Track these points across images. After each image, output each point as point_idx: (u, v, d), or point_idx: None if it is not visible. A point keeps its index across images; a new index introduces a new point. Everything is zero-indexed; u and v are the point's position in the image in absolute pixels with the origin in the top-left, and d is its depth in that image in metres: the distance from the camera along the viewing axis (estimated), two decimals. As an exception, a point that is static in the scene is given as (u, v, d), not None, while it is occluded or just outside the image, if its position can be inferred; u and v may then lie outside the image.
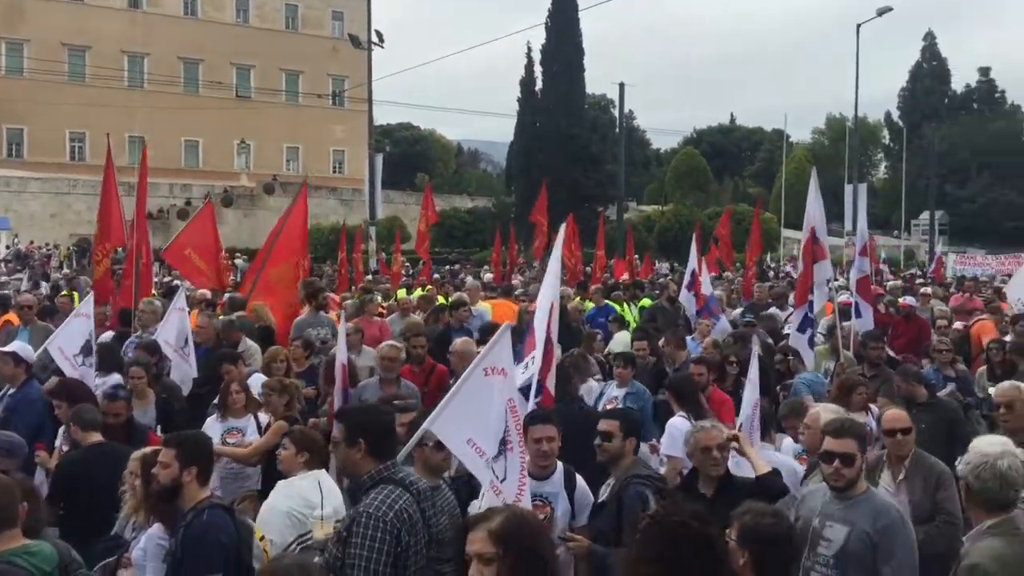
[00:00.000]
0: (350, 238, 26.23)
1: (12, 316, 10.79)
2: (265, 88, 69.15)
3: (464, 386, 4.52)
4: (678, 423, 6.67)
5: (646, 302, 15.77)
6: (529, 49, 55.31)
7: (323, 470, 5.26)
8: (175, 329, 9.17)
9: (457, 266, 34.52)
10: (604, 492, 5.19)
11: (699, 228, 21.18)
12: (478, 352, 5.20)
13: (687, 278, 14.51)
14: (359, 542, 3.88)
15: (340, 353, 7.16)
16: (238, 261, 33.54)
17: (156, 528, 4.57)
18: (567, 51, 54.10)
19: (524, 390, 5.58)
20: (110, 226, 11.54)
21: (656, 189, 77.40)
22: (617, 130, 45.37)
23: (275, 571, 3.45)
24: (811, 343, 9.72)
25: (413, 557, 4.04)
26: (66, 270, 25.48)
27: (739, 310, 14.81)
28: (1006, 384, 6.34)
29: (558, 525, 5.01)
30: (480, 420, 4.45)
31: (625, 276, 22.57)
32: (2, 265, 29.46)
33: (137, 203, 11.28)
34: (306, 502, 4.97)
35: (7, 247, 42.77)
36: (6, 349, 7.72)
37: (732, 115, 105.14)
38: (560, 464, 5.24)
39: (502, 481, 4.42)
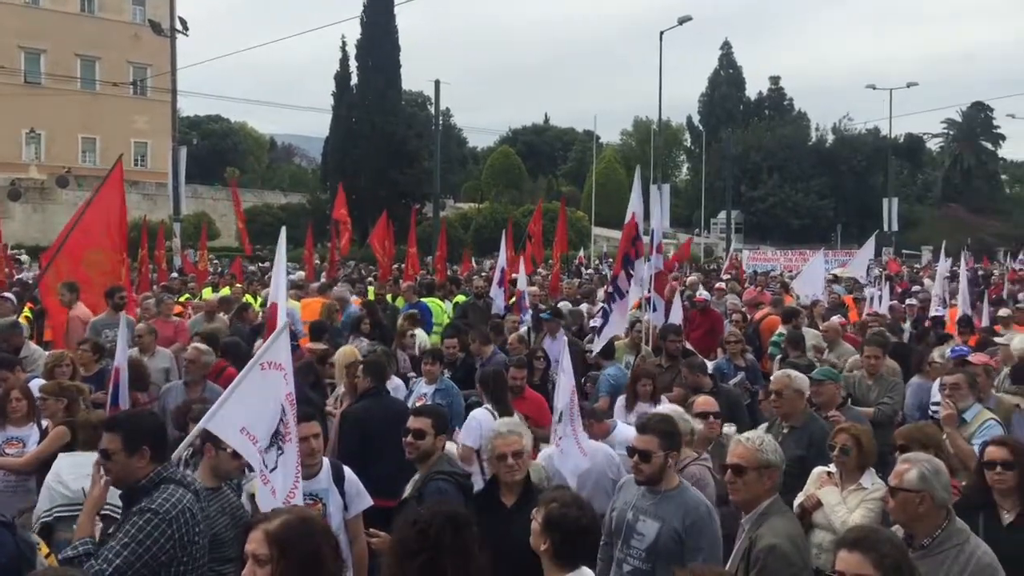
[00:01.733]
0: (152, 235, 24.97)
1: None
2: (58, 75, 64.48)
3: (242, 382, 4.55)
4: (478, 414, 6.81)
5: (461, 299, 15.92)
6: (344, 43, 54.42)
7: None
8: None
9: (268, 264, 33.53)
10: (409, 487, 5.22)
11: (511, 225, 21.62)
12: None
13: (496, 275, 14.76)
14: (132, 531, 3.77)
15: (119, 353, 6.82)
16: (23, 259, 31.17)
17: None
18: (383, 47, 53.58)
19: None
20: None
21: (473, 187, 78.20)
22: (433, 127, 45.45)
23: None
24: (597, 332, 10.14)
25: (198, 553, 3.98)
26: None
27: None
28: (779, 372, 6.88)
29: (333, 520, 5.02)
30: (254, 411, 4.50)
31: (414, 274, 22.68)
32: None
33: None
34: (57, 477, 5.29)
35: None
36: None
37: (546, 115, 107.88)
38: (326, 460, 5.28)
39: (271, 471, 4.49)
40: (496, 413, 6.92)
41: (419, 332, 11.55)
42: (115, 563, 3.70)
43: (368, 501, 5.34)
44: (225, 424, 4.42)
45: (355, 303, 13.59)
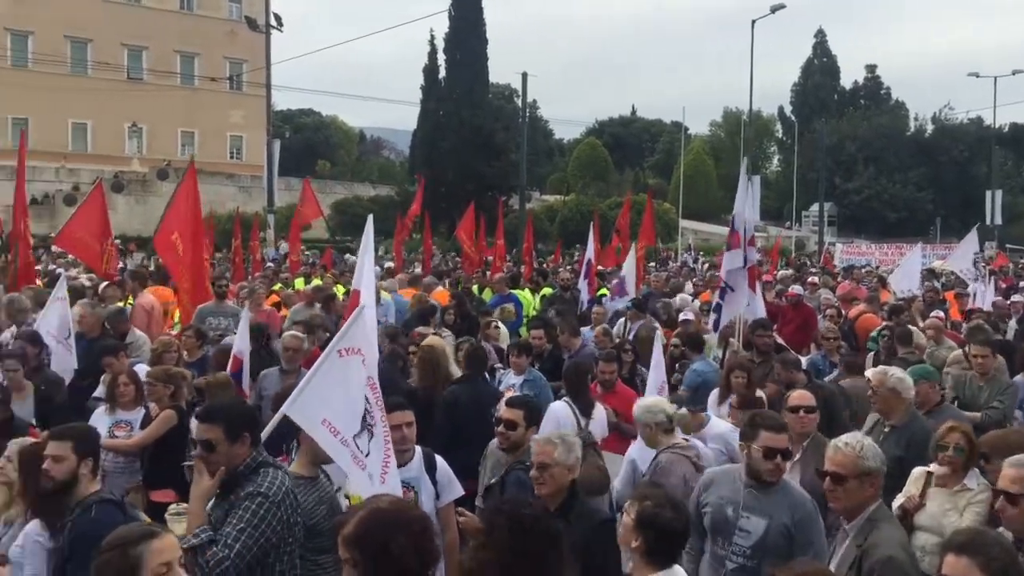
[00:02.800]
0: (247, 226, 25.66)
1: None
2: (159, 70, 66.82)
3: (320, 369, 4.57)
4: (556, 407, 6.79)
5: (548, 291, 15.95)
6: (432, 37, 54.97)
7: None
8: (57, 318, 8.85)
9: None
10: (488, 473, 5.29)
11: (597, 218, 21.53)
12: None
13: (583, 267, 14.73)
14: (246, 516, 3.85)
15: (238, 341, 7.01)
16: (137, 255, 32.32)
17: (34, 525, 4.40)
18: (471, 40, 53.94)
19: None
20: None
21: (559, 179, 78.05)
22: (520, 120, 45.51)
23: None
24: (715, 327, 10.01)
25: (299, 534, 4.08)
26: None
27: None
28: (876, 369, 6.68)
29: (426, 506, 5.07)
30: (335, 400, 4.51)
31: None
32: None
33: (16, 189, 10.77)
34: None
35: None
36: None
37: (633, 107, 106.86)
38: (418, 448, 5.32)
39: (367, 456, 4.51)
40: (575, 407, 6.91)
41: (502, 324, 11.67)
42: (235, 548, 3.79)
43: (459, 491, 5.39)
44: (306, 413, 4.44)
45: (441, 295, 13.73)
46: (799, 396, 6.06)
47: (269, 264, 23.84)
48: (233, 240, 23.12)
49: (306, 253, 29.12)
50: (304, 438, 4.71)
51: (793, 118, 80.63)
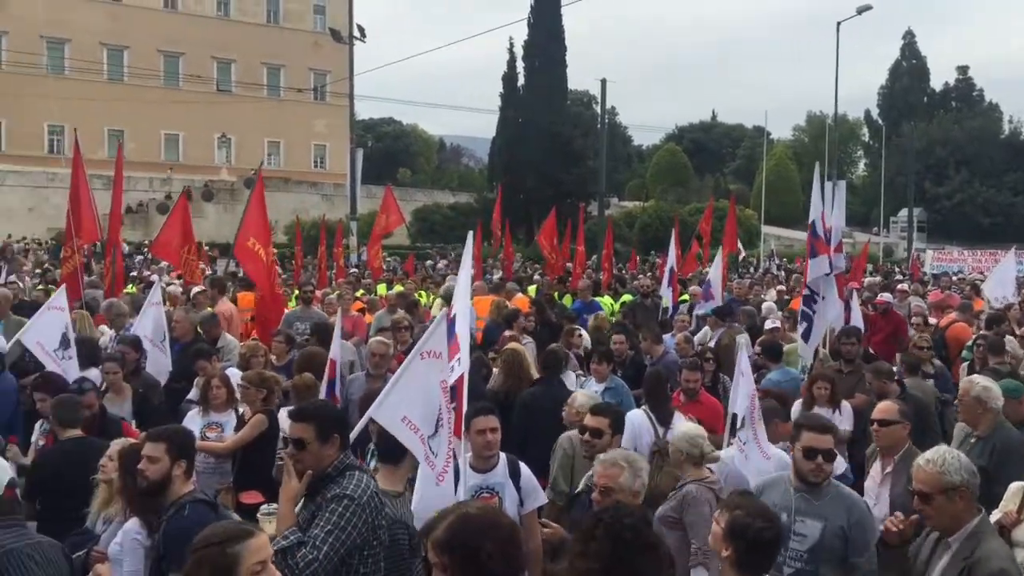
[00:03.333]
0: (331, 233, 26.16)
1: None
2: (246, 82, 68.77)
3: (405, 370, 4.68)
4: (634, 416, 6.73)
5: (627, 297, 15.86)
6: (511, 45, 55.28)
7: None
8: (152, 323, 9.17)
9: (443, 262, 34.39)
10: (584, 481, 5.25)
11: (678, 224, 21.31)
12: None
13: (665, 274, 14.61)
14: (332, 518, 3.90)
15: (334, 347, 7.16)
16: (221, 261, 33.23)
17: (133, 523, 4.54)
18: (550, 47, 54.04)
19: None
20: (80, 222, 11.39)
21: (638, 185, 77.57)
22: (599, 126, 45.38)
23: None
24: (805, 336, 9.81)
25: (384, 537, 4.11)
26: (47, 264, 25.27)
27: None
28: (964, 378, 6.47)
29: (509, 513, 5.01)
30: (416, 399, 4.60)
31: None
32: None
33: (113, 198, 11.20)
34: None
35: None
36: (-21, 343, 7.70)
37: (714, 112, 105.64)
38: (503, 455, 5.33)
39: (436, 456, 4.60)
40: (653, 416, 6.85)
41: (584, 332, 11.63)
42: (323, 550, 3.84)
43: (542, 498, 5.39)
44: (387, 411, 4.53)
45: (521, 302, 13.75)
46: (878, 408, 5.89)
47: (352, 270, 24.25)
48: (320, 247, 23.59)
49: (388, 260, 29.57)
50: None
51: (880, 121, 78.52)
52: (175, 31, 65.63)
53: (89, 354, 8.34)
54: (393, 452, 4.70)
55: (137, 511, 4.59)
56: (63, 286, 9.70)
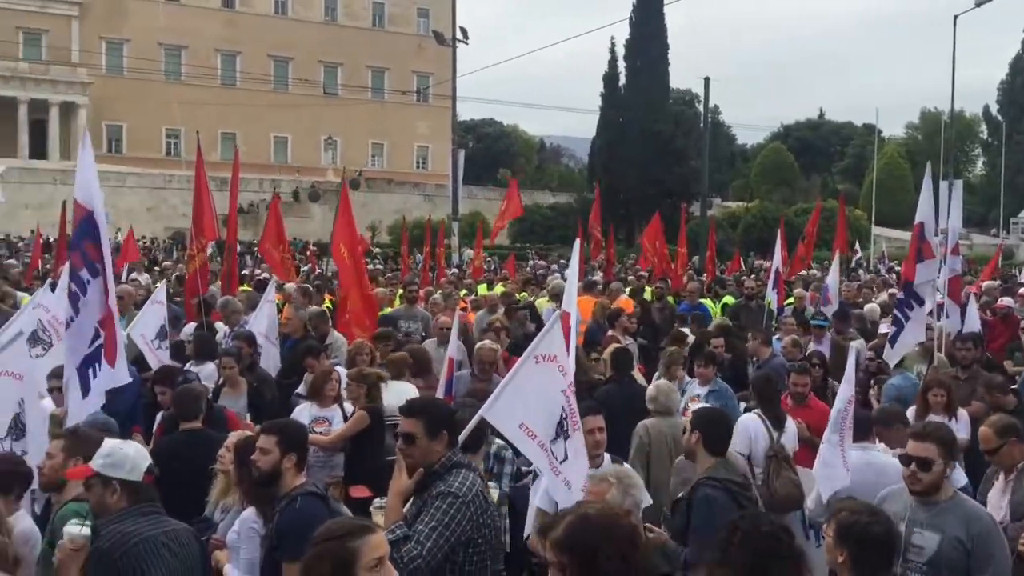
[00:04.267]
0: (434, 233, 26.52)
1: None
2: (352, 85, 70.45)
3: (517, 373, 4.66)
4: (747, 419, 6.61)
5: (729, 300, 15.58)
6: (613, 44, 55.07)
7: None
8: (266, 319, 9.48)
9: (543, 262, 34.46)
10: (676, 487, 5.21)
11: (783, 225, 20.83)
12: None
13: (771, 276, 14.29)
14: (437, 515, 3.95)
15: (452, 345, 7.27)
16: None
17: (250, 512, 4.72)
18: (651, 46, 53.59)
19: None
20: (203, 221, 11.89)
21: (742, 185, 76.21)
22: (701, 125, 44.75)
23: None
24: (891, 342, 9.46)
25: (490, 535, 4.12)
26: (167, 262, 26.39)
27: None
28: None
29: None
30: (532, 405, 4.58)
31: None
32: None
33: (230, 199, 11.63)
34: None
35: (109, 240, 44.36)
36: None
37: (821, 110, 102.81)
38: (607, 454, 5.35)
39: (562, 462, 4.57)
40: (766, 419, 6.72)
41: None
42: (427, 545, 3.91)
43: (648, 499, 5.35)
44: (503, 416, 4.55)
45: (625, 302, 13.66)
46: (981, 437, 5.63)
47: (453, 270, 24.53)
48: (424, 247, 24.02)
49: (487, 260, 29.79)
50: None
51: (1000, 118, 74.96)
52: (285, 36, 67.72)
53: (206, 349, 8.68)
54: (466, 446, 4.75)
55: (253, 501, 4.77)
56: (163, 281, 10.14)
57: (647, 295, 15.01)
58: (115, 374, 6.03)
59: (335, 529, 3.01)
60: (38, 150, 58.07)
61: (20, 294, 10.76)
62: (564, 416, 4.62)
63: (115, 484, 4.01)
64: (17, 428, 5.38)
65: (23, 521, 4.49)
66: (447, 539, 3.94)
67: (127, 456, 4.07)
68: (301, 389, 8.40)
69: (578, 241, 5.74)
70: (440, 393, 6.93)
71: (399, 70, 71.89)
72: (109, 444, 4.15)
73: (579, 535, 2.83)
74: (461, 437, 4.47)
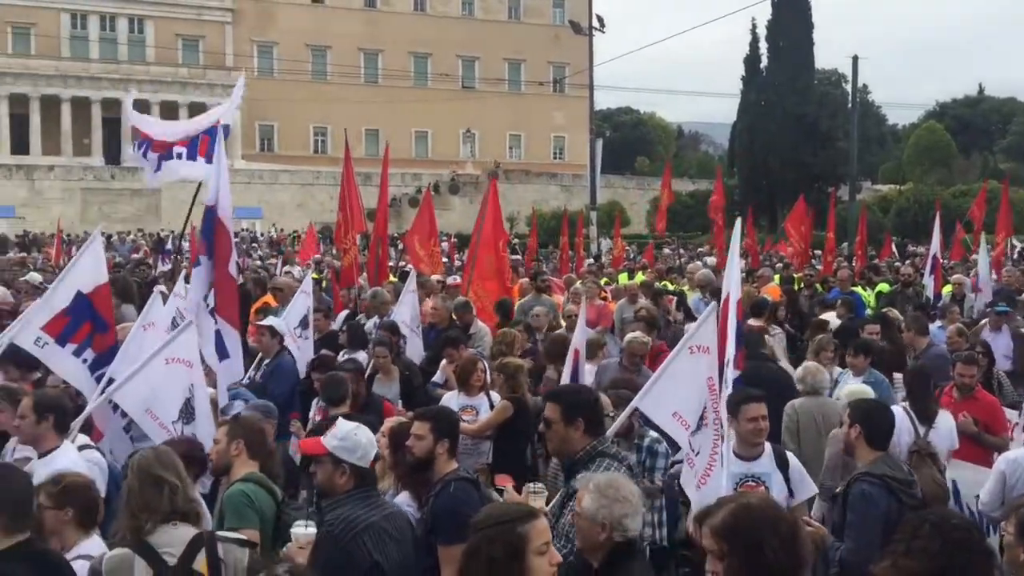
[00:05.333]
0: (571, 223, 26.54)
1: (269, 298, 11.80)
2: (489, 78, 71.26)
3: (672, 364, 4.69)
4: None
5: (883, 287, 14.94)
6: (754, 25, 53.64)
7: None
8: (409, 309, 9.73)
9: (681, 250, 33.91)
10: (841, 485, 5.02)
11: (939, 208, 19.78)
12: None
13: (928, 262, 13.62)
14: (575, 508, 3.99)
15: (578, 333, 7.28)
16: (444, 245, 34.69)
17: (404, 496, 4.87)
18: (795, 26, 51.85)
19: None
20: (352, 215, 12.29)
21: (893, 168, 72.70)
22: (850, 106, 42.94)
23: None
24: None
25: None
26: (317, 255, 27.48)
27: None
28: None
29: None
30: (685, 395, 4.62)
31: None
32: (258, 250, 32.24)
33: (380, 193, 11.98)
34: None
35: (261, 234, 46.60)
36: (263, 322, 8.49)
37: (980, 86, 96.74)
38: (768, 444, 5.18)
39: (696, 455, 4.56)
40: (913, 413, 6.39)
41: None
42: (570, 537, 3.94)
43: (812, 488, 5.19)
44: (656, 406, 4.57)
45: (773, 290, 13.30)
46: None
47: (591, 260, 24.49)
48: (561, 237, 24.07)
49: (626, 249, 29.58)
50: None
51: None
52: (424, 33, 69.12)
53: (358, 338, 8.99)
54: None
55: (407, 485, 4.92)
56: (308, 273, 10.52)
57: (795, 283, 14.56)
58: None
59: (503, 514, 3.04)
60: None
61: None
62: (705, 409, 4.61)
63: (345, 467, 4.12)
64: (188, 412, 5.70)
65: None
66: None
67: (359, 442, 4.17)
68: (438, 378, 8.59)
69: (739, 222, 5.53)
70: (565, 382, 6.96)
71: (535, 61, 72.19)
72: (344, 427, 4.23)
73: (742, 524, 2.78)
74: (615, 427, 4.48)
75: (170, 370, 5.72)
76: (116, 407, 5.89)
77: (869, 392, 6.24)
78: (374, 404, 7.15)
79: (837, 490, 5.13)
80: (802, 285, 14.97)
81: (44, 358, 6.42)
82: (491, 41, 70.75)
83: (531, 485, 4.19)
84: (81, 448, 5.29)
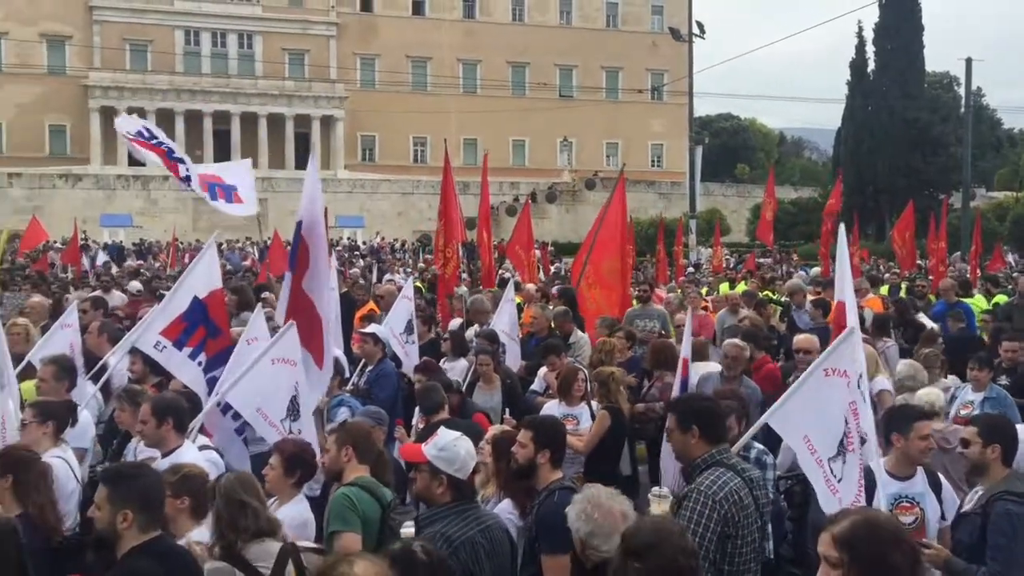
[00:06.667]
0: (670, 231, 26.28)
1: (373, 305, 12.04)
2: (586, 86, 71.19)
3: (804, 384, 4.53)
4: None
5: (1001, 298, 14.30)
6: (860, 29, 52.20)
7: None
8: (508, 318, 9.77)
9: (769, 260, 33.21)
10: (970, 501, 4.81)
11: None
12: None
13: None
14: (687, 515, 4.00)
15: (684, 347, 7.19)
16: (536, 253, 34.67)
17: (506, 503, 4.88)
18: (904, 28, 50.21)
19: None
20: (453, 224, 12.42)
21: (1009, 173, 69.55)
22: (963, 110, 41.35)
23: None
24: None
25: (745, 539, 4.05)
26: (420, 264, 27.92)
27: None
28: None
29: (931, 527, 4.79)
30: (816, 419, 4.46)
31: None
32: (360, 260, 32.93)
33: (481, 202, 12.10)
34: None
35: (363, 243, 47.57)
36: (366, 330, 8.65)
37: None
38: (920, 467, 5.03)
39: (839, 481, 4.39)
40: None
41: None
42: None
43: (954, 508, 5.03)
44: (788, 425, 4.48)
45: (873, 302, 12.87)
46: None
47: (691, 269, 24.19)
48: (657, 245, 23.84)
49: (727, 258, 29.12)
50: None
51: None
52: (522, 42, 69.56)
53: (460, 346, 9.08)
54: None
55: (509, 493, 4.93)
56: (411, 277, 10.65)
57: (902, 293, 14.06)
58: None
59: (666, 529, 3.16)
60: (302, 161, 63.13)
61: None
62: (846, 434, 4.44)
63: (442, 477, 4.16)
64: (294, 410, 5.86)
65: (299, 504, 4.85)
66: (702, 536, 3.94)
67: (458, 454, 4.19)
68: (537, 385, 8.59)
69: (842, 228, 5.35)
70: (676, 393, 6.86)
71: (633, 69, 71.79)
72: (445, 437, 4.26)
73: (867, 536, 2.75)
74: (743, 441, 4.46)
75: (276, 370, 5.89)
76: (226, 410, 6.09)
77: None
78: (471, 409, 7.21)
79: (965, 510, 4.89)
80: (909, 295, 14.47)
81: (163, 361, 6.68)
82: (589, 49, 70.68)
83: (656, 489, 4.19)
84: (200, 448, 5.50)
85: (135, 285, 14.78)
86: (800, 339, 7.96)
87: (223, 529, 4.06)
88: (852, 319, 4.78)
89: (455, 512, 4.10)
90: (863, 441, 4.52)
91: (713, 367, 8.14)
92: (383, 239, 49.95)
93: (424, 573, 3.20)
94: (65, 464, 5.14)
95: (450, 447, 4.19)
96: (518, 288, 12.32)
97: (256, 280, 16.79)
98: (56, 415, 5.36)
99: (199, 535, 4.25)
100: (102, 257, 33.20)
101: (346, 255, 33.83)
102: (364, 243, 47.43)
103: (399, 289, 12.15)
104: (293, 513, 4.68)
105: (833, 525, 2.87)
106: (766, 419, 4.50)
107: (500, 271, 23.26)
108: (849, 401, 4.46)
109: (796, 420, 4.43)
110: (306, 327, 6.35)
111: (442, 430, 4.44)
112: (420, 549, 3.25)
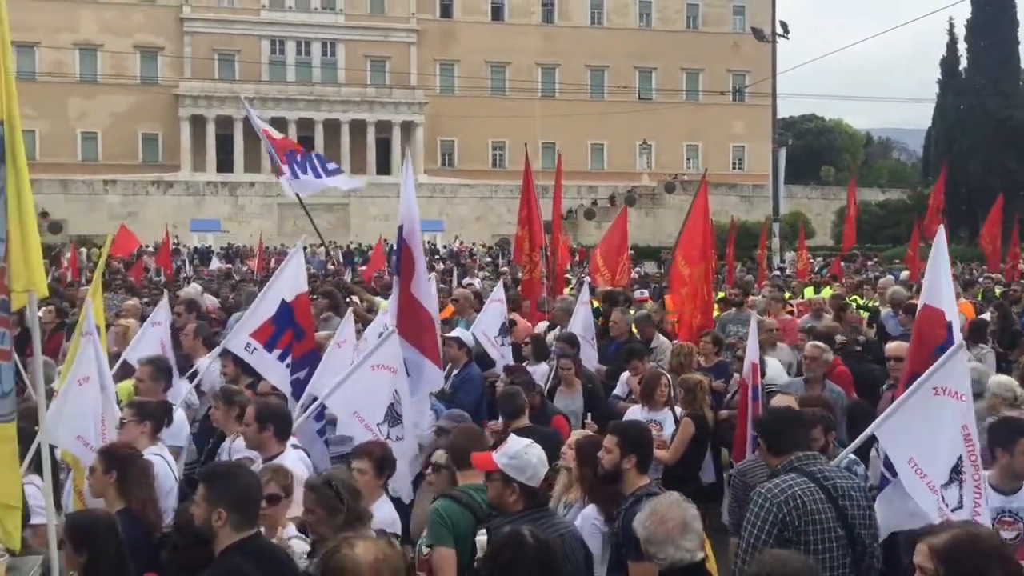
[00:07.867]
0: (750, 235, 25.84)
1: (452, 308, 12.14)
2: (666, 89, 70.57)
3: (910, 400, 4.34)
4: None
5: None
6: (951, 26, 50.59)
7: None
8: (582, 321, 9.75)
9: (857, 264, 32.36)
10: None
11: None
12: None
13: None
14: (748, 516, 4.11)
15: (751, 351, 7.08)
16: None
17: (591, 509, 4.86)
18: (999, 23, 48.53)
19: None
20: (534, 229, 12.41)
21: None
22: (1061, 107, 39.78)
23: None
24: None
25: (812, 546, 3.97)
26: (505, 268, 28.03)
27: None
28: None
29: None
30: (924, 442, 4.25)
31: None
32: (440, 264, 33.24)
33: (554, 206, 12.10)
34: None
35: (444, 247, 48.07)
36: (451, 335, 8.72)
37: None
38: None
39: (953, 510, 4.18)
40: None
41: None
42: (741, 546, 4.11)
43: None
44: (894, 444, 4.31)
45: (965, 307, 12.42)
46: None
47: (775, 273, 23.74)
48: (727, 248, 23.46)
49: (812, 262, 28.50)
50: None
51: None
52: (601, 45, 69.34)
53: (542, 350, 9.10)
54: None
55: (594, 498, 4.91)
56: (500, 281, 10.70)
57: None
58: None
59: None
60: (383, 166, 64.13)
61: (377, 299, 11.88)
62: (961, 459, 4.22)
63: (515, 486, 4.17)
64: (393, 416, 5.95)
65: (385, 504, 4.93)
66: (757, 537, 3.99)
67: (530, 462, 4.19)
68: (619, 391, 8.54)
69: (942, 228, 5.05)
70: (749, 399, 6.75)
71: (714, 70, 70.90)
72: (515, 445, 4.26)
73: (967, 550, 2.70)
74: (848, 451, 4.44)
75: (376, 376, 5.98)
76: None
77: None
78: (549, 412, 7.21)
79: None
80: (1005, 300, 13.93)
81: (253, 363, 6.85)
82: (668, 51, 70.06)
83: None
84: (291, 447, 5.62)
85: (196, 287, 15.17)
86: (892, 347, 7.73)
87: (348, 517, 4.07)
88: (957, 334, 4.54)
89: (528, 520, 4.06)
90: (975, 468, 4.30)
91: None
92: (462, 243, 50.34)
93: (532, 556, 3.25)
94: (164, 462, 5.31)
95: (521, 455, 4.17)
96: (592, 292, 12.27)
97: (361, 281, 17.28)
98: (153, 415, 5.54)
99: (290, 533, 4.37)
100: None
101: (426, 259, 34.10)
102: (444, 247, 47.89)
103: (475, 294, 12.25)
104: (382, 514, 4.74)
105: (931, 536, 2.80)
106: (873, 430, 4.36)
107: (581, 273, 23.28)
108: (961, 425, 4.22)
109: (902, 439, 4.24)
110: (417, 329, 6.50)
111: (512, 438, 4.41)
112: (528, 533, 3.30)
